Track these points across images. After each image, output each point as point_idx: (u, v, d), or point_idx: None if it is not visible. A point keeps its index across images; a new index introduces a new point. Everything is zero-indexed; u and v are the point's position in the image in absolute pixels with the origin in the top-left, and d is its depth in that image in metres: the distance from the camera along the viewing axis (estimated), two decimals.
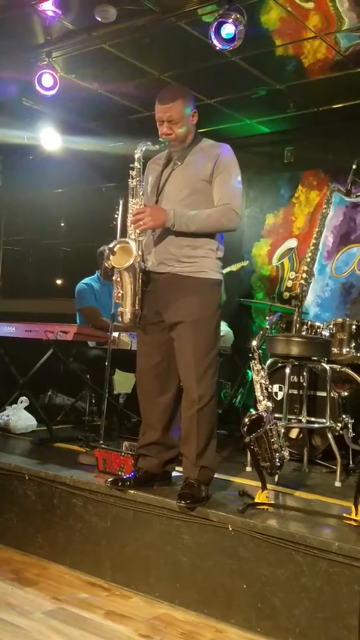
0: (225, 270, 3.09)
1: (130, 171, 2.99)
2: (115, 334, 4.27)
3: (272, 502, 2.94)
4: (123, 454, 3.31)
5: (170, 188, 3.01)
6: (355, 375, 3.93)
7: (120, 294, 3.01)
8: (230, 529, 2.70)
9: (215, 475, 3.06)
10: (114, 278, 3.03)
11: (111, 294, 4.89)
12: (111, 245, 2.98)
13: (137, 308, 2.99)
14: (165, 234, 2.97)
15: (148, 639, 2.53)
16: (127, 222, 3.01)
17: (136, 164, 2.99)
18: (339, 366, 4.03)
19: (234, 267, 5.22)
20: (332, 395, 3.73)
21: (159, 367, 3.05)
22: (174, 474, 3.19)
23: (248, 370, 5.09)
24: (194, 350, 2.90)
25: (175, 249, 2.96)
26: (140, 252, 2.97)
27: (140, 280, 2.99)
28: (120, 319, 3.06)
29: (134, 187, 3.00)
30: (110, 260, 2.95)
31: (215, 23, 4.02)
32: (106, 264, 2.97)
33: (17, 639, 2.48)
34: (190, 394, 2.91)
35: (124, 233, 3.09)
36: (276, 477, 3.25)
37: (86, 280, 5.10)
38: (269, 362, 3.79)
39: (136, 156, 2.98)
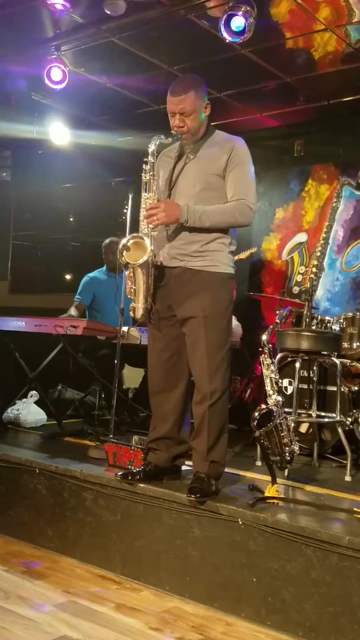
0: (234, 258, 3.05)
1: (144, 165, 2.96)
2: (125, 329, 4.27)
3: (282, 496, 2.94)
4: (133, 447, 3.32)
5: (183, 182, 2.96)
6: None
7: (132, 290, 2.97)
8: (240, 522, 2.70)
9: (225, 470, 3.05)
10: (126, 273, 2.99)
11: (118, 286, 4.97)
12: (124, 240, 2.93)
13: (149, 303, 2.96)
14: (177, 228, 2.93)
15: (158, 632, 2.54)
16: (140, 216, 2.96)
17: (150, 157, 2.95)
18: (349, 360, 4.02)
19: (242, 255, 5.19)
20: (342, 389, 3.72)
21: (169, 362, 3.04)
22: (183, 468, 3.19)
23: (257, 365, 5.08)
24: (207, 346, 2.88)
25: (188, 244, 2.92)
26: (153, 247, 2.93)
27: (152, 276, 2.96)
28: (132, 314, 3.03)
29: (147, 181, 2.96)
30: (124, 257, 2.90)
31: (225, 15, 4.00)
32: (120, 260, 2.92)
33: (28, 632, 2.49)
34: (202, 390, 2.90)
35: (134, 228, 3.06)
36: (286, 472, 3.24)
37: (93, 272, 5.14)
38: (278, 356, 3.78)
39: (150, 150, 2.94)
